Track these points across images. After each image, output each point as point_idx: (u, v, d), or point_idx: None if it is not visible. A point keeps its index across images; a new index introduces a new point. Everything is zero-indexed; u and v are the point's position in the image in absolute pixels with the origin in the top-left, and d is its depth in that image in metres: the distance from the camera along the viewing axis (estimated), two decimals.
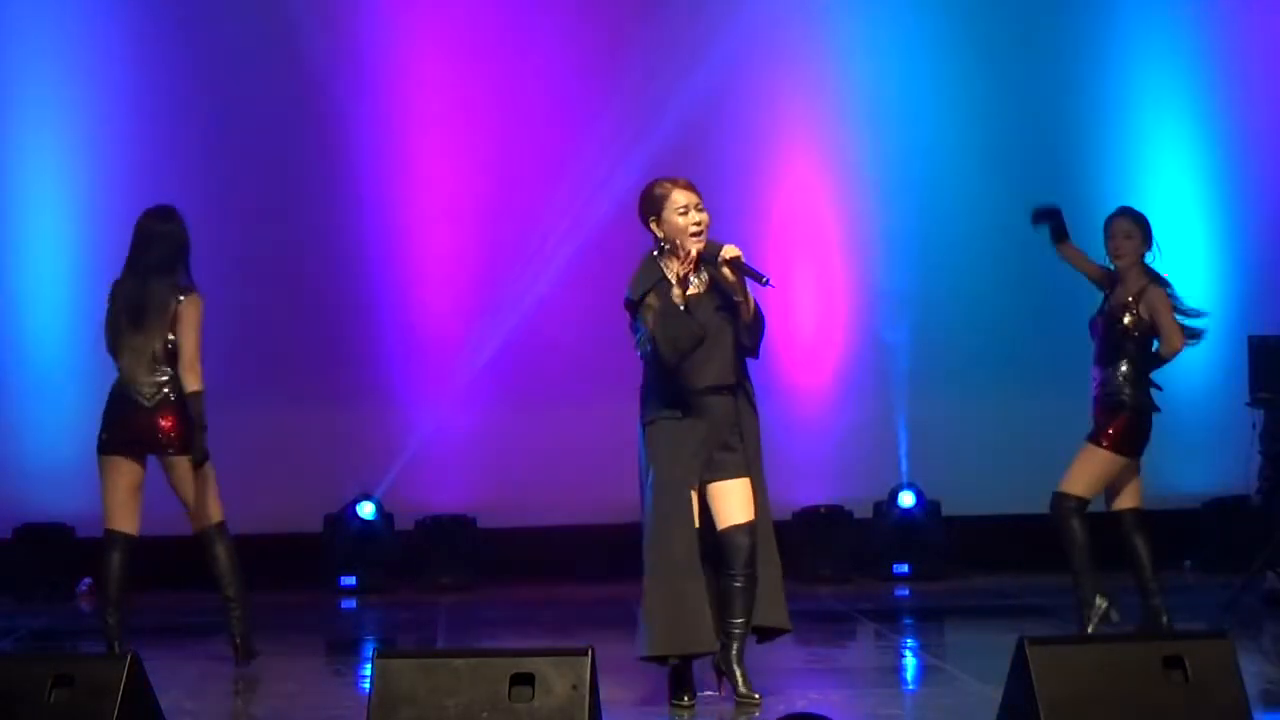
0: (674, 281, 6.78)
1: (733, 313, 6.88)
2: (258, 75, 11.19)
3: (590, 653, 5.30)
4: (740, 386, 6.94)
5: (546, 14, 11.41)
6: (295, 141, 11.22)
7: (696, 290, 6.88)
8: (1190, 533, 11.33)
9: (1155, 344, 8.53)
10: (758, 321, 6.92)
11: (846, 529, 11.34)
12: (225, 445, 10.96)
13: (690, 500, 6.81)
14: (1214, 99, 11.62)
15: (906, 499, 11.24)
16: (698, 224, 6.84)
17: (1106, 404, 8.44)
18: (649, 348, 6.76)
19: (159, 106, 11.21)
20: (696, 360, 6.80)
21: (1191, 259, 11.62)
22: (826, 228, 11.54)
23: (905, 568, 11.23)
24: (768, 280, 6.74)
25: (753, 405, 6.98)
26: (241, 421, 10.97)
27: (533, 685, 5.23)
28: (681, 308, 6.73)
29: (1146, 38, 11.65)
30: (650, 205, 6.92)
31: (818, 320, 11.48)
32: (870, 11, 11.61)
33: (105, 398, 8.03)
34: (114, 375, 8.06)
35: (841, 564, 11.18)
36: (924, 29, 11.57)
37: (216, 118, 11.16)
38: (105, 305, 8.12)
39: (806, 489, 11.39)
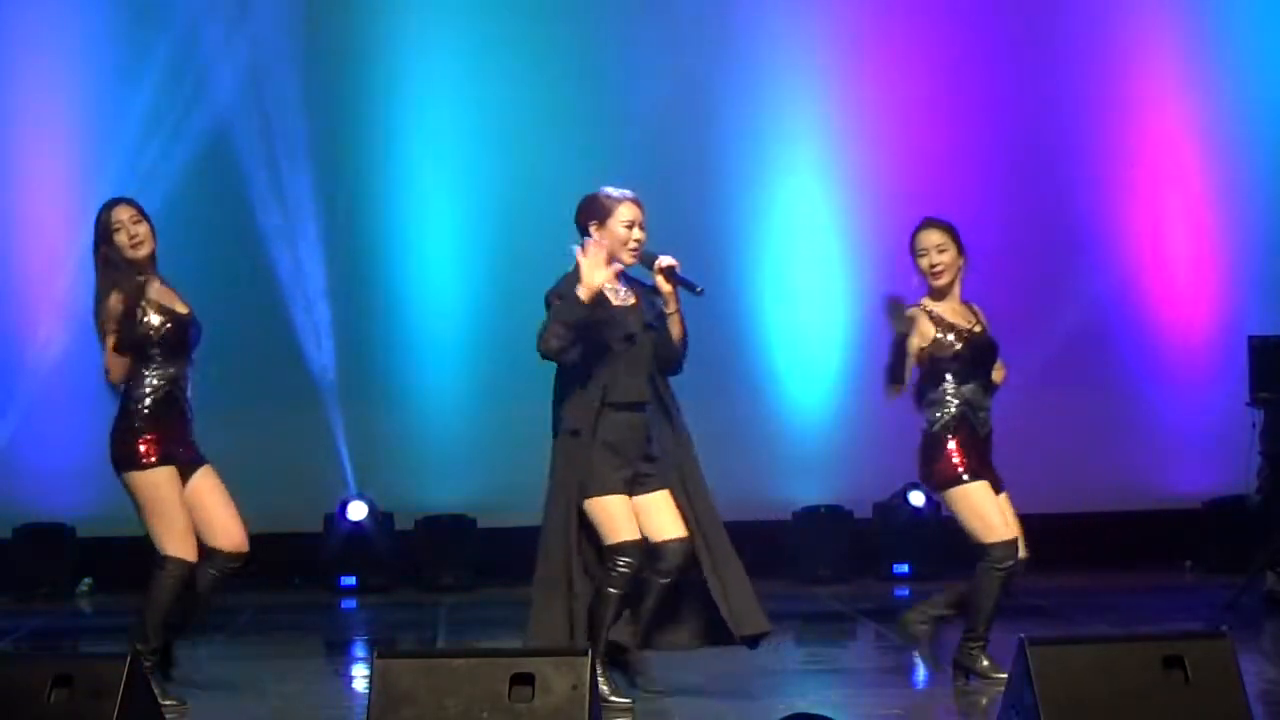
0: (606, 289, 6.87)
1: (660, 328, 6.95)
2: (271, 70, 11.21)
3: (590, 653, 5.31)
4: (661, 402, 7.00)
5: (551, 15, 11.42)
6: (296, 140, 11.22)
7: (624, 303, 6.95)
8: (1190, 533, 11.34)
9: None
10: (686, 339, 7.01)
11: (846, 529, 11.33)
12: (226, 445, 11.00)
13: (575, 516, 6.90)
14: (1213, 99, 11.62)
15: (916, 498, 11.22)
16: (637, 241, 6.94)
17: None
18: (543, 341, 6.86)
19: (162, 99, 11.23)
20: (616, 374, 6.87)
21: (1191, 259, 11.63)
22: (826, 229, 11.54)
23: (905, 568, 11.23)
24: (701, 290, 6.89)
25: (678, 418, 7.03)
26: (242, 421, 10.97)
27: (533, 685, 5.23)
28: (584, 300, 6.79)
29: (1145, 38, 11.65)
30: (596, 211, 6.99)
31: (818, 321, 11.48)
32: (868, 15, 11.62)
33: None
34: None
35: (841, 564, 11.18)
36: (921, 31, 11.58)
37: (224, 112, 11.18)
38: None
39: (806, 489, 11.40)
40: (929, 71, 11.53)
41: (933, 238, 7.48)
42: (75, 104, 11.22)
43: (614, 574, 6.77)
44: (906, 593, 10.91)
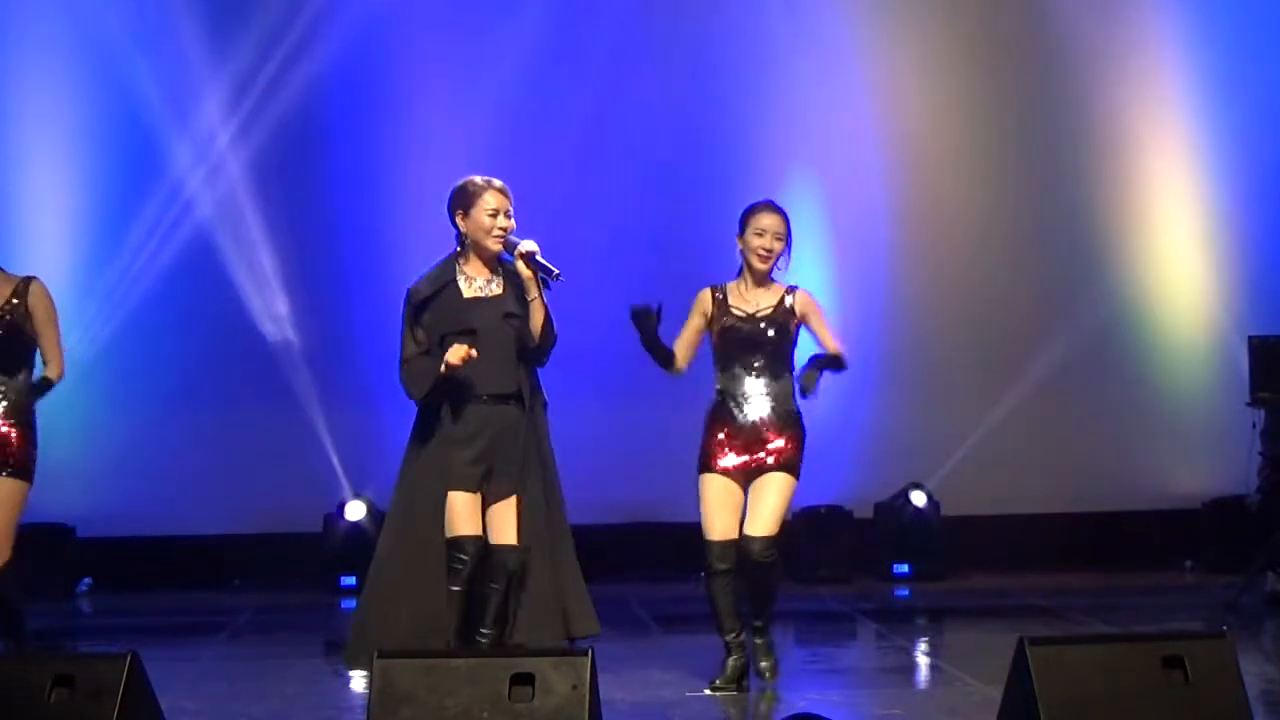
0: (463, 280, 6.87)
1: (524, 317, 6.89)
2: (265, 65, 11.22)
3: (590, 653, 5.30)
4: (525, 396, 6.90)
5: (550, 15, 11.43)
6: (297, 141, 11.24)
7: (483, 294, 6.91)
8: (1190, 533, 11.35)
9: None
10: (548, 329, 6.91)
11: (846, 529, 11.33)
12: (226, 446, 11.02)
13: (429, 514, 6.84)
14: (1212, 99, 11.62)
15: (918, 498, 11.21)
16: (502, 229, 6.92)
17: (787, 420, 7.35)
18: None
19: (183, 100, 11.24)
20: (477, 366, 6.77)
21: (1191, 259, 11.63)
22: (827, 232, 11.53)
23: (905, 568, 11.23)
24: (558, 275, 6.83)
25: (542, 415, 6.97)
26: (241, 422, 10.99)
27: (533, 685, 5.22)
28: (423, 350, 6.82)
29: (1144, 39, 11.65)
30: (461, 200, 6.97)
31: None
32: (878, 20, 11.62)
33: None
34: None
35: (841, 564, 11.18)
36: (928, 35, 11.58)
37: (223, 112, 11.20)
38: None
39: (806, 489, 11.30)
40: (936, 75, 11.54)
41: (774, 223, 7.37)
42: (72, 105, 11.24)
43: (450, 569, 6.78)
44: (906, 593, 10.91)
